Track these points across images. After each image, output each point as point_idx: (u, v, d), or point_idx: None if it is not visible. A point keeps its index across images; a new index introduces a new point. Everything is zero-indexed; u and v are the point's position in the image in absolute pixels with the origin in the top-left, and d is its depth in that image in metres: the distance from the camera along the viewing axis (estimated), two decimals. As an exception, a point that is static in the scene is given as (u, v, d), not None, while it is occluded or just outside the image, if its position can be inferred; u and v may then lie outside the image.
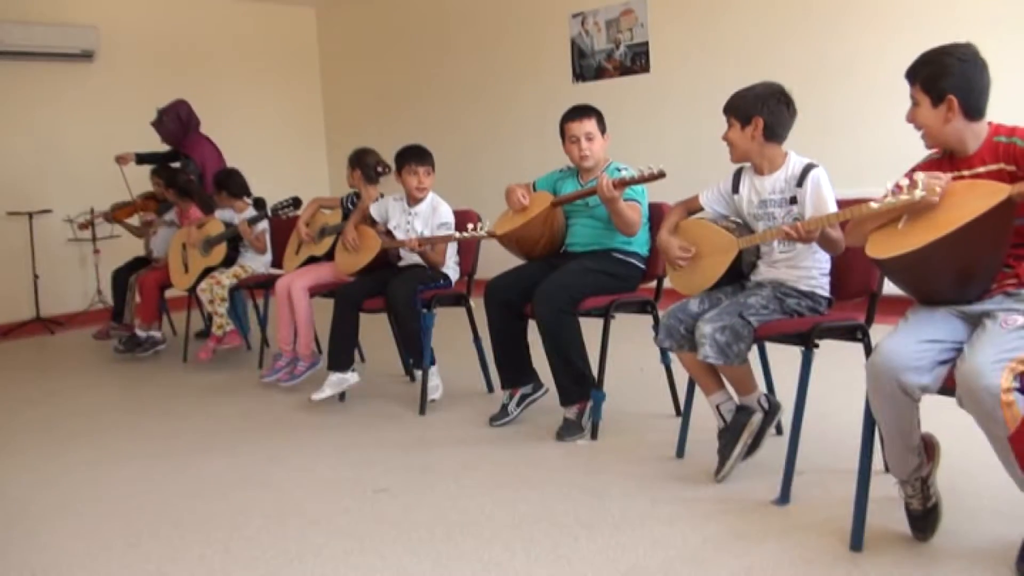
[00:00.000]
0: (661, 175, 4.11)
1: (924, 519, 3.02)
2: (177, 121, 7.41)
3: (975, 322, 2.79)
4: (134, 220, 7.84)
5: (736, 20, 7.39)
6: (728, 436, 3.69)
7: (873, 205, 2.99)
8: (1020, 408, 2.53)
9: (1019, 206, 2.70)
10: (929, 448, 3.03)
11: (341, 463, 4.24)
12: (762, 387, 4.21)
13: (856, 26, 6.72)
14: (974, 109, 2.86)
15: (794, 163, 3.69)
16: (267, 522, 3.57)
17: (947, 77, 2.84)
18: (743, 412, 3.69)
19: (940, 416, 2.99)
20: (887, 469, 3.56)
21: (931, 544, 2.99)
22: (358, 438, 4.61)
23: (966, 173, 2.88)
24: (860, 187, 3.75)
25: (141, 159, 7.61)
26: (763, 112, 3.61)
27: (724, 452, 3.69)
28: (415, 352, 5.06)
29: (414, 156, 5.16)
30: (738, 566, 2.95)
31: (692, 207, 4.02)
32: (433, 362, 5.06)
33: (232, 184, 6.63)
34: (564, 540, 3.22)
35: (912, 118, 2.95)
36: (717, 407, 3.75)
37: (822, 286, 3.68)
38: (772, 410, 3.77)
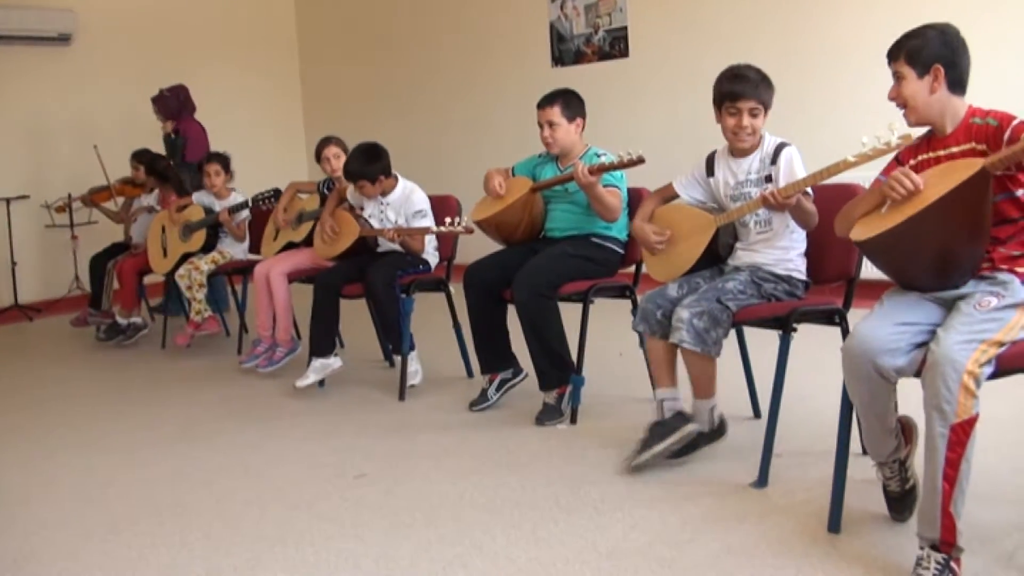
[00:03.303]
0: (640, 161, 4.11)
1: (902, 500, 3.05)
2: (176, 100, 7.69)
3: (950, 306, 2.81)
4: (111, 205, 7.81)
5: (714, 4, 7.39)
6: (658, 430, 3.63)
7: (850, 158, 3.10)
8: (975, 407, 2.52)
9: (995, 182, 2.72)
10: (907, 431, 3.06)
11: (321, 449, 4.25)
12: (742, 375, 4.26)
13: (834, 8, 6.73)
14: (957, 82, 2.88)
15: (768, 143, 3.72)
16: (248, 508, 3.57)
17: (932, 48, 2.87)
18: (681, 417, 3.64)
19: (915, 398, 3.00)
20: (865, 451, 3.60)
21: (908, 524, 3.01)
22: (338, 424, 4.62)
23: (942, 153, 2.90)
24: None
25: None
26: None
27: (647, 444, 3.62)
28: (394, 338, 5.06)
29: (352, 175, 5.15)
30: (717, 547, 2.98)
31: (667, 195, 4.04)
32: (412, 347, 5.07)
33: (228, 168, 6.58)
34: (544, 523, 3.24)
35: (896, 94, 2.95)
36: (661, 402, 3.71)
37: (799, 269, 3.71)
38: (718, 430, 3.72)
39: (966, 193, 2.66)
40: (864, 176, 3.22)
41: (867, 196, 3.01)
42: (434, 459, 4.00)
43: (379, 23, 10.05)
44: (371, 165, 5.09)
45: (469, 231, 4.74)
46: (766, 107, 3.67)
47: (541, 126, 4.55)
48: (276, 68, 10.74)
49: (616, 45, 8.06)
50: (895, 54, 2.94)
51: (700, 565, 2.87)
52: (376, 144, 5.17)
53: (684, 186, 3.97)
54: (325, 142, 5.71)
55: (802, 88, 6.64)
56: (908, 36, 2.93)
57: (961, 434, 2.54)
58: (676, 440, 3.60)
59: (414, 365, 5.09)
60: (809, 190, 3.52)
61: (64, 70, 9.02)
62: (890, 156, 3.11)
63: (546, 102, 4.55)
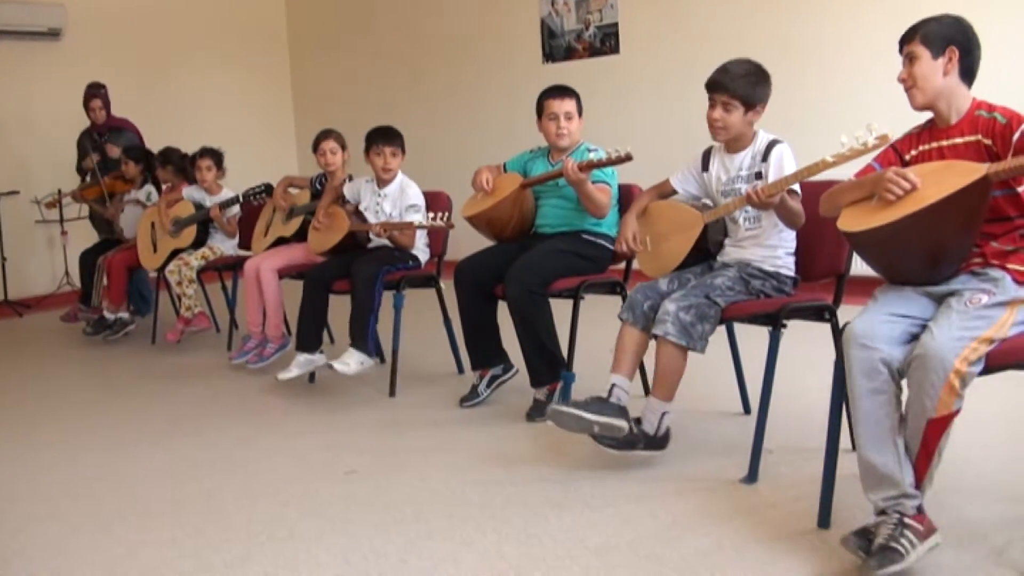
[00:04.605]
0: (628, 158, 4.12)
1: (879, 552, 2.63)
2: (107, 98, 7.65)
3: (941, 301, 2.81)
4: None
5: (706, 1, 7.39)
6: (595, 404, 3.54)
7: (828, 159, 3.11)
8: (956, 405, 2.55)
9: (993, 185, 2.73)
10: (926, 525, 2.69)
11: (311, 445, 4.24)
12: (732, 371, 4.26)
13: (826, 5, 6.73)
14: (968, 70, 2.91)
15: (761, 140, 3.72)
16: (238, 504, 3.57)
17: (948, 31, 2.89)
18: (621, 411, 3.56)
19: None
20: (855, 448, 3.61)
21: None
22: (328, 420, 4.62)
23: (945, 144, 2.91)
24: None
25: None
26: (766, 98, 3.48)
27: (577, 404, 3.54)
28: (358, 330, 4.88)
29: (380, 136, 5.14)
30: (707, 543, 2.98)
31: (664, 191, 4.04)
32: (369, 352, 4.91)
33: (220, 164, 6.57)
34: (534, 519, 3.24)
35: (908, 74, 2.94)
36: (613, 385, 3.64)
37: (787, 266, 3.71)
38: (662, 439, 3.62)
39: (965, 198, 2.67)
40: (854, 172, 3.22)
41: (857, 184, 2.99)
42: (424, 455, 4.00)
43: (370, 19, 10.04)
44: (396, 135, 5.17)
45: (450, 226, 4.75)
46: (746, 103, 3.65)
47: (555, 117, 4.53)
48: (266, 63, 10.72)
49: (607, 41, 8.07)
50: (910, 36, 2.94)
51: (690, 561, 2.87)
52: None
53: (680, 181, 3.98)
54: (324, 135, 5.68)
55: (794, 85, 6.63)
56: (924, 20, 2.95)
57: (935, 429, 2.58)
58: (602, 423, 3.48)
59: (352, 359, 4.82)
60: (798, 189, 3.53)
61: (54, 65, 8.99)
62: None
63: (564, 93, 4.55)
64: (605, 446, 3.58)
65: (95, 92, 7.56)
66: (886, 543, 2.61)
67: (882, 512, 2.70)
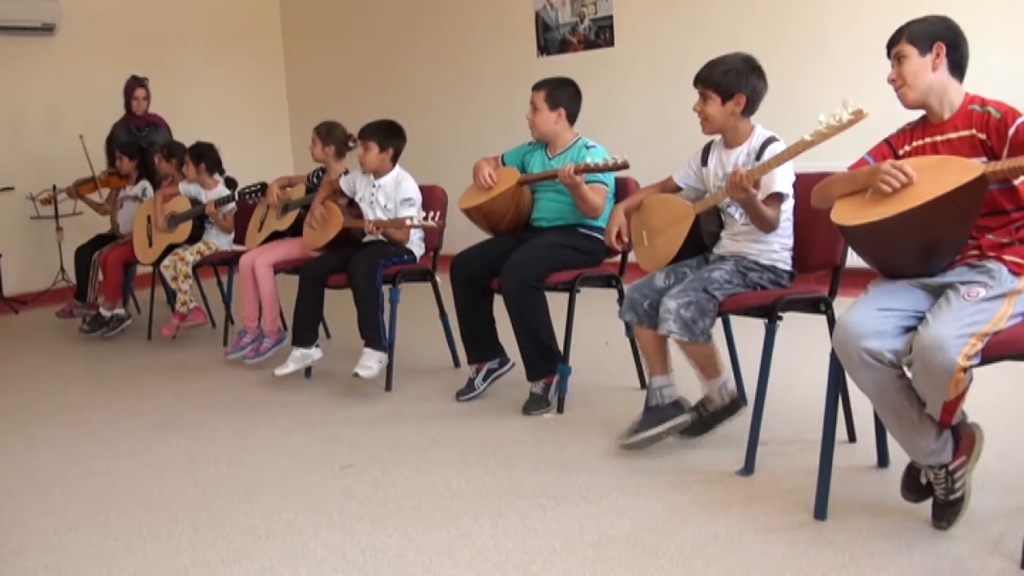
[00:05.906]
0: (624, 166, 4.17)
1: (944, 508, 2.90)
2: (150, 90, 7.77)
3: (936, 293, 2.81)
4: (96, 196, 7.77)
5: (700, -7, 7.40)
6: (651, 416, 3.69)
7: (807, 138, 3.15)
8: (965, 380, 2.60)
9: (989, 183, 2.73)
10: (964, 440, 2.89)
11: (308, 439, 4.24)
12: (729, 368, 4.26)
13: (821, -1, 6.75)
14: (957, 65, 2.93)
15: (757, 136, 3.71)
16: (234, 499, 3.57)
17: (934, 28, 2.93)
18: (676, 406, 3.69)
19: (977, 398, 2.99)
20: (851, 439, 3.62)
21: (896, 512, 3.02)
22: (324, 414, 4.62)
23: (939, 139, 2.91)
24: (823, 160, 3.76)
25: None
26: (746, 89, 3.61)
27: (640, 427, 3.68)
28: (369, 329, 4.92)
29: (362, 130, 5.17)
30: (703, 535, 2.99)
31: (667, 188, 4.03)
32: (386, 346, 4.93)
33: (210, 159, 6.56)
34: (532, 512, 3.25)
35: (897, 74, 2.96)
36: (658, 389, 3.72)
37: (783, 260, 3.70)
38: (732, 406, 3.74)
39: (961, 197, 2.67)
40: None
41: (850, 177, 2.99)
42: (421, 449, 4.00)
43: (364, 13, 10.01)
44: (380, 131, 5.12)
45: (441, 227, 4.78)
46: (720, 93, 3.65)
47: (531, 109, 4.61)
48: (260, 58, 10.69)
49: (602, 34, 8.06)
50: (896, 39, 2.97)
51: (686, 553, 2.87)
52: (400, 128, 5.19)
53: (682, 177, 3.98)
54: (317, 126, 5.68)
55: (790, 78, 6.60)
56: (908, 23, 2.97)
57: (953, 403, 2.66)
58: (668, 428, 3.65)
59: (371, 361, 4.86)
60: (786, 191, 3.53)
61: (48, 60, 8.96)
62: (877, 137, 3.11)
63: (536, 86, 4.61)
64: (689, 437, 3.75)
65: (140, 82, 7.66)
66: (945, 498, 2.86)
67: (926, 466, 2.88)
